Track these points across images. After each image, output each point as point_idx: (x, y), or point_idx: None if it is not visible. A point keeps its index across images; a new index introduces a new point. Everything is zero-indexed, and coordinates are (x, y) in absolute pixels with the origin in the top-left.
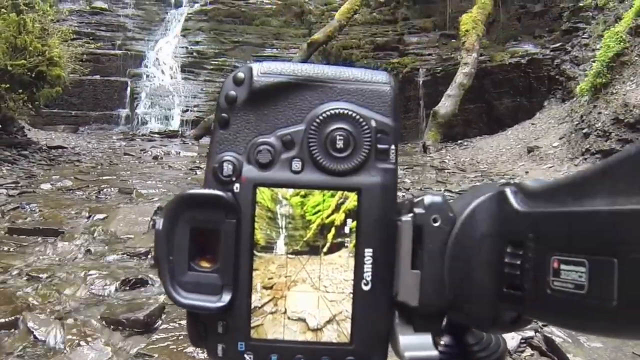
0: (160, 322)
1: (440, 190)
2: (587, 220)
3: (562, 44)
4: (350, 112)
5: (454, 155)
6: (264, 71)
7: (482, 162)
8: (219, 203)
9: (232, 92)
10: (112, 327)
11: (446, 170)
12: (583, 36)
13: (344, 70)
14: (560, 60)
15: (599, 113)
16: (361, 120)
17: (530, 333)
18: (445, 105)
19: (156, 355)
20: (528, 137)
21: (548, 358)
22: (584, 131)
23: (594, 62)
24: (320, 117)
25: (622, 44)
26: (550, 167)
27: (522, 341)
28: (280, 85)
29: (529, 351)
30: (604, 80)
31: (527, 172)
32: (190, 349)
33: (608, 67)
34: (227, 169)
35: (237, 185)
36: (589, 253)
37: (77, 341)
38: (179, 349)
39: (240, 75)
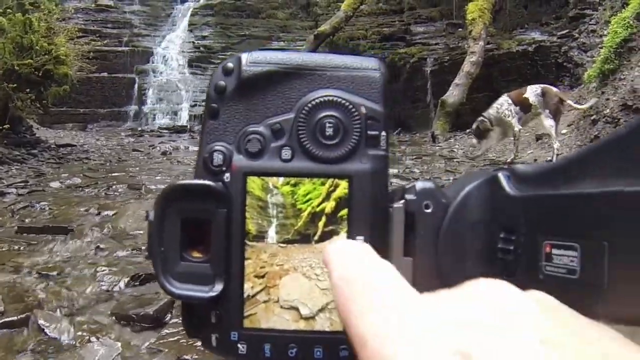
0: (169, 316)
1: (449, 180)
2: (577, 203)
3: (569, 30)
4: (339, 99)
5: (462, 144)
6: (253, 60)
7: (491, 151)
8: (210, 193)
9: (222, 82)
10: (122, 322)
11: (455, 160)
12: (590, 22)
13: (333, 57)
14: (568, 47)
15: (607, 99)
16: (350, 107)
17: None
18: (453, 94)
19: (166, 350)
20: (536, 125)
21: None
22: (592, 118)
23: (601, 48)
24: (309, 105)
25: (629, 29)
26: (559, 154)
27: None
28: (269, 74)
29: None
30: (611, 66)
31: (535, 160)
32: (200, 343)
33: (616, 53)
34: (217, 158)
35: (227, 174)
36: (580, 237)
37: (87, 337)
38: (189, 343)
39: (230, 65)
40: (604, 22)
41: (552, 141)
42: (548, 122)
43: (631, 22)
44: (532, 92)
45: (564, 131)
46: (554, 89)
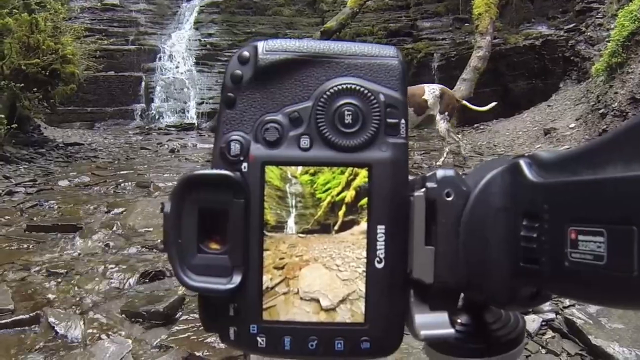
0: (180, 313)
1: None
2: (604, 188)
3: (576, 24)
4: (358, 87)
5: (470, 139)
6: (269, 48)
7: (499, 145)
8: (227, 183)
9: (238, 71)
10: (132, 319)
11: (463, 155)
12: (597, 16)
13: (350, 45)
14: (575, 41)
15: (615, 93)
16: (369, 94)
17: (551, 315)
18: (461, 90)
19: (177, 347)
20: (544, 119)
21: (569, 340)
22: (600, 111)
23: (608, 41)
24: (328, 93)
25: (636, 22)
26: (568, 148)
27: (543, 323)
28: (285, 62)
29: (550, 333)
30: (619, 59)
31: None
32: (211, 339)
33: (623, 46)
34: (235, 148)
35: (245, 164)
36: (607, 222)
37: (97, 335)
38: (199, 339)
39: (245, 53)
40: (611, 15)
41: (444, 144)
42: (444, 126)
43: (638, 15)
44: (430, 93)
45: (572, 125)
46: (451, 91)
